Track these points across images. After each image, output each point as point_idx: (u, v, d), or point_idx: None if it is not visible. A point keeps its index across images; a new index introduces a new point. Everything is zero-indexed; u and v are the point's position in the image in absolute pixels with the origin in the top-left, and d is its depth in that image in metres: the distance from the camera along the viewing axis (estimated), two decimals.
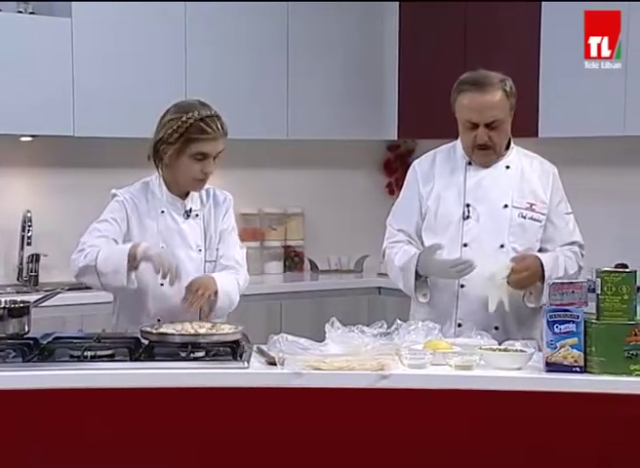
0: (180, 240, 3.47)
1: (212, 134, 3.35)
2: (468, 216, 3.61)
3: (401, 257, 3.65)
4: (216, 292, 3.33)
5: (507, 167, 3.65)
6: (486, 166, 3.65)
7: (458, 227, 3.62)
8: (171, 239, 3.46)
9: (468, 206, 3.62)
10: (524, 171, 3.65)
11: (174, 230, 3.47)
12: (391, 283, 5.63)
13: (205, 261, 3.50)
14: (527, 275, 3.50)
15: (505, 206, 3.61)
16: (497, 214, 3.61)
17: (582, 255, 3.70)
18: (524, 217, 3.61)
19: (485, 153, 3.60)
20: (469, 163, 3.66)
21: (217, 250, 3.51)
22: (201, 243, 3.50)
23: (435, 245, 3.56)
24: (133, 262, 3.27)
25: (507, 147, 3.67)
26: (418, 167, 3.74)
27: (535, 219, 3.62)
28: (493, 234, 3.60)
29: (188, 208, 3.49)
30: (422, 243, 3.68)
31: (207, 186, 3.54)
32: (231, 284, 3.43)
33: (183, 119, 3.35)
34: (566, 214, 3.69)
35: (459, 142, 3.70)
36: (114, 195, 3.51)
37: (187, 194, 3.50)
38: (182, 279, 3.34)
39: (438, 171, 3.69)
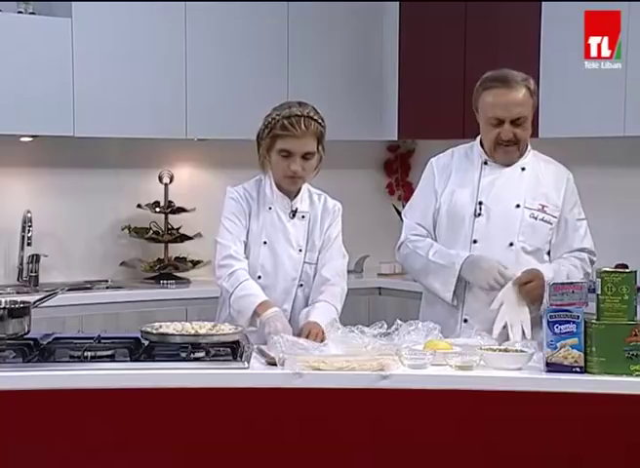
0: (283, 238, 3.57)
1: (293, 132, 3.44)
2: (480, 214, 3.64)
3: (437, 254, 3.63)
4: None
5: (523, 168, 3.68)
6: (506, 164, 3.66)
7: (469, 224, 3.64)
8: (274, 236, 3.56)
9: (480, 203, 3.65)
10: (539, 173, 3.69)
11: (278, 228, 3.57)
12: (391, 283, 5.72)
13: (304, 262, 3.59)
14: (535, 284, 3.51)
15: (517, 206, 3.64)
16: (508, 214, 3.64)
17: (592, 262, 3.69)
18: (535, 218, 3.63)
19: (509, 150, 3.63)
20: (485, 162, 3.69)
21: (318, 254, 3.61)
22: (303, 243, 3.59)
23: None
24: (257, 315, 3.39)
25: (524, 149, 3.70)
26: (435, 163, 3.78)
27: (546, 221, 3.64)
28: (503, 232, 3.62)
29: (295, 208, 3.59)
30: (436, 239, 3.71)
31: (319, 192, 3.67)
32: (330, 314, 3.49)
33: (273, 116, 3.50)
34: (578, 221, 3.71)
35: (476, 142, 3.73)
36: (228, 192, 3.61)
37: (297, 194, 3.59)
38: (280, 278, 3.55)
39: (454, 168, 3.73)
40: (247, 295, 3.43)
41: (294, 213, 3.59)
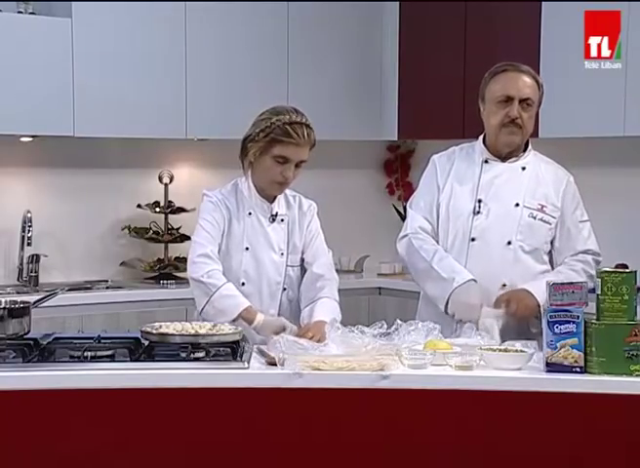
0: (265, 242, 3.55)
1: (296, 139, 3.43)
2: (479, 212, 3.65)
3: (442, 263, 3.61)
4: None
5: (523, 168, 3.69)
6: (508, 154, 3.67)
7: (467, 221, 3.65)
8: (256, 241, 3.55)
9: (480, 201, 3.66)
10: (539, 174, 3.70)
11: (259, 232, 3.55)
12: (391, 283, 5.72)
13: (287, 266, 3.58)
14: (518, 308, 3.53)
15: (517, 204, 3.65)
16: (507, 212, 3.65)
17: (598, 263, 3.68)
18: (534, 218, 3.64)
19: (513, 131, 3.64)
20: (486, 161, 3.70)
21: (301, 255, 3.60)
22: (284, 247, 3.58)
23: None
24: (243, 321, 3.36)
25: (525, 149, 3.71)
26: (437, 160, 3.80)
27: (544, 221, 3.65)
28: (501, 231, 3.64)
29: (274, 212, 3.57)
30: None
31: (293, 193, 3.65)
32: (335, 310, 3.51)
33: (273, 120, 3.46)
34: (581, 222, 3.71)
35: (478, 141, 3.75)
36: (206, 196, 3.59)
37: (275, 198, 3.57)
38: (264, 283, 3.54)
39: (455, 166, 3.74)
40: (233, 296, 3.40)
41: (274, 217, 3.57)
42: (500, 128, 3.63)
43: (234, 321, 3.36)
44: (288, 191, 3.64)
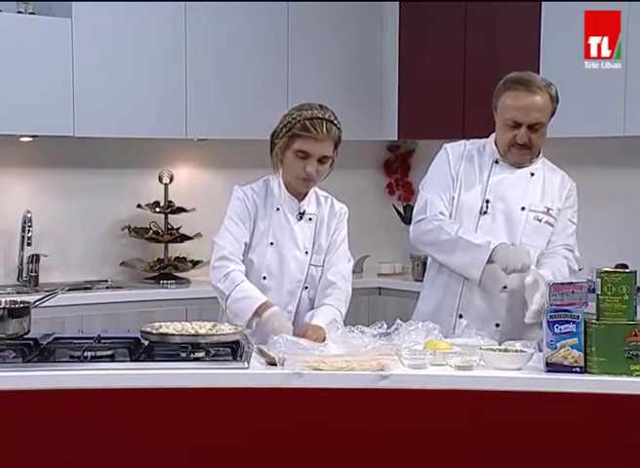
0: (290, 239, 3.56)
1: (314, 134, 3.43)
2: (486, 212, 3.64)
3: (468, 234, 3.58)
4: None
5: (532, 174, 3.68)
6: (518, 165, 3.67)
7: (474, 221, 3.65)
8: (281, 237, 3.55)
9: (487, 202, 3.64)
10: (546, 180, 3.69)
11: (285, 229, 3.56)
12: (391, 283, 5.72)
13: (310, 265, 3.58)
14: None
15: (523, 208, 3.64)
16: (513, 215, 3.65)
17: (578, 260, 3.70)
18: (539, 221, 3.65)
19: (522, 153, 3.63)
20: (496, 161, 3.69)
21: (324, 256, 3.60)
22: (309, 246, 3.58)
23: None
24: (257, 316, 3.37)
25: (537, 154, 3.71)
26: (450, 150, 3.76)
27: (549, 224, 3.67)
28: (506, 232, 3.63)
29: (302, 210, 3.58)
30: None
31: (325, 194, 3.66)
32: (333, 317, 3.47)
33: (294, 115, 3.47)
34: (569, 221, 3.71)
35: (489, 140, 3.74)
36: (235, 191, 3.59)
37: (304, 196, 3.58)
38: (285, 279, 3.54)
39: (465, 163, 3.71)
40: (245, 298, 3.41)
41: (301, 214, 3.58)
42: (509, 146, 3.63)
43: (252, 319, 3.38)
44: (320, 192, 3.65)
